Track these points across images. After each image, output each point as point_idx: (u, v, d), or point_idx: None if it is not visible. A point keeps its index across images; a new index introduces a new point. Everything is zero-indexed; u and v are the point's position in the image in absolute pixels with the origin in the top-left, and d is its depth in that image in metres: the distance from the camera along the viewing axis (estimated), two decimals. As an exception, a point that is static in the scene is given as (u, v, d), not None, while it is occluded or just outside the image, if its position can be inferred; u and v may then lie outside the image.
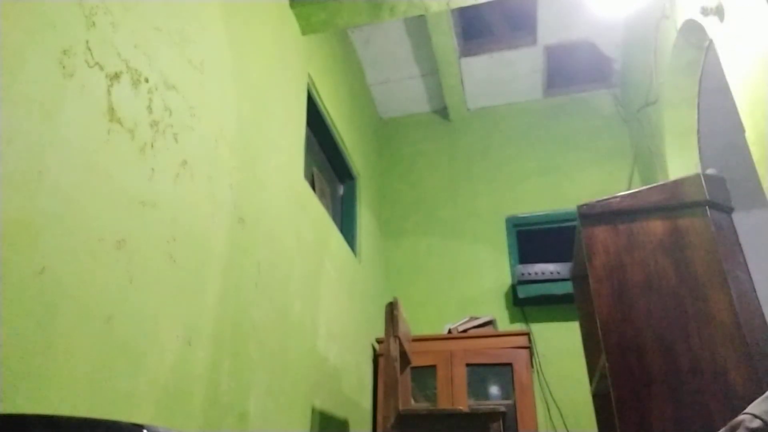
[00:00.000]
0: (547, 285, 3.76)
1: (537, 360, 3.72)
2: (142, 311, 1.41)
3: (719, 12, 2.07)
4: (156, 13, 1.64)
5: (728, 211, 1.78)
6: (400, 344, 2.34)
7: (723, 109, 2.83)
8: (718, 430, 1.03)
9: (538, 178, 4.37)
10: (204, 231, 1.77)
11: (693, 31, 2.59)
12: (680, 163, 3.05)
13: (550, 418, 3.59)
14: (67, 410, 1.13)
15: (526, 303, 3.90)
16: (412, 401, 2.98)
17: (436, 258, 4.30)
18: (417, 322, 3.82)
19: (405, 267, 4.33)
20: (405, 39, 4.17)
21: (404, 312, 2.53)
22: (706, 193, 1.76)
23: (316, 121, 3.25)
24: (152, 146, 1.54)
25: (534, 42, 4.19)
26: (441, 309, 4.07)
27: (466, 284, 4.14)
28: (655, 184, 1.88)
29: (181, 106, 1.71)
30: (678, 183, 1.84)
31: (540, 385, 3.66)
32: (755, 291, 1.67)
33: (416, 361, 2.85)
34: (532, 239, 4.26)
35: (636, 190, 1.89)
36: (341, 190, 3.90)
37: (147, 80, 1.55)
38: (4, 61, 1.10)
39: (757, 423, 0.91)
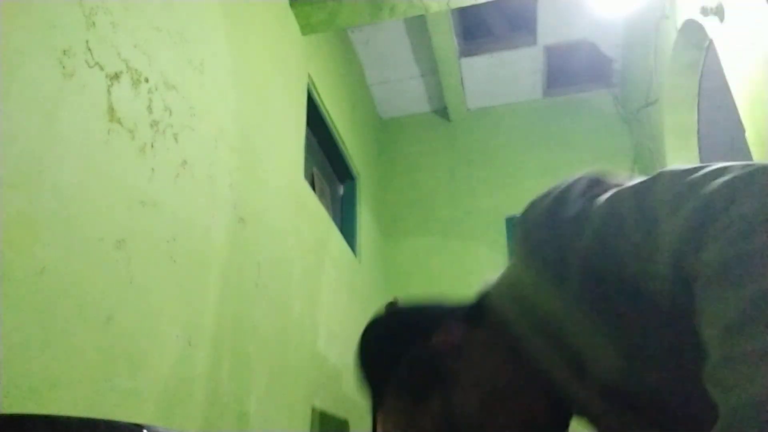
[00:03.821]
0: (547, 285, 3.75)
1: (537, 360, 3.71)
2: (142, 311, 1.41)
3: (719, 12, 2.07)
4: (156, 13, 1.63)
5: (728, 211, 1.77)
6: (400, 344, 2.33)
7: (723, 109, 2.84)
8: None
9: (538, 178, 4.36)
10: (204, 231, 1.77)
11: (693, 31, 2.59)
12: (680, 163, 3.04)
13: (550, 418, 3.58)
14: (67, 410, 1.13)
15: (526, 303, 3.89)
16: (412, 401, 2.97)
17: (436, 258, 4.30)
18: (417, 322, 3.80)
19: (405, 267, 4.33)
20: (405, 39, 4.17)
21: (404, 312, 2.53)
22: (706, 193, 1.76)
23: (316, 121, 3.25)
24: (152, 146, 1.54)
25: (534, 42, 4.19)
26: (441, 309, 4.06)
27: (466, 284, 4.12)
28: (655, 184, 1.87)
29: (181, 106, 1.71)
30: (678, 183, 1.83)
31: (540, 385, 3.65)
32: (755, 291, 1.66)
33: (416, 361, 2.84)
34: (532, 239, 4.25)
35: (636, 190, 1.88)
36: (341, 190, 3.89)
37: (147, 80, 1.55)
38: (4, 61, 1.10)
39: None
